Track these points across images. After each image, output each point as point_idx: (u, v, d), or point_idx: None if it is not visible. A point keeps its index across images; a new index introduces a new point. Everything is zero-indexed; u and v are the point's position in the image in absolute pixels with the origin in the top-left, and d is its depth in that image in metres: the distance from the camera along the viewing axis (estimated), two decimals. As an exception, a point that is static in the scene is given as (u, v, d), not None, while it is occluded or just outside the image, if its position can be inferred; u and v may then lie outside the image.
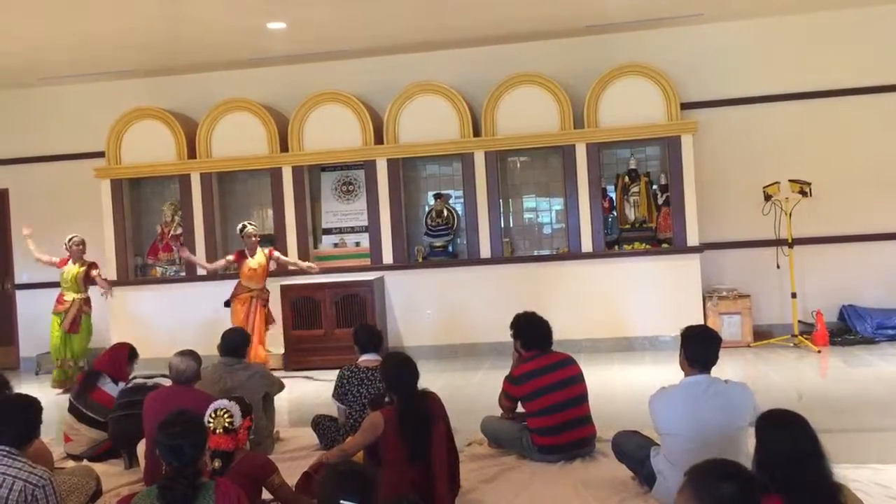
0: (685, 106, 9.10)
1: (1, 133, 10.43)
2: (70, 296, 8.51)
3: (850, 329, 8.80)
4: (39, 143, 10.37)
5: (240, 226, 8.58)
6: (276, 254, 8.65)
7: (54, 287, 10.22)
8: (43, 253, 8.72)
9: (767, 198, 8.53)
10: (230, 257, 8.63)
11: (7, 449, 3.43)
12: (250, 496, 3.68)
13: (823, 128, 9.12)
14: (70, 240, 8.61)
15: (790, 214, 8.55)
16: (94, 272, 8.57)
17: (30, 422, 3.56)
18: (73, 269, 8.54)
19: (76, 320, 8.47)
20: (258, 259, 8.42)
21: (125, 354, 6.00)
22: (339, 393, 5.43)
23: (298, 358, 8.87)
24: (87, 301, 8.58)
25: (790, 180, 8.46)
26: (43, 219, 10.33)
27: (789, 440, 2.80)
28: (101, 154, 9.88)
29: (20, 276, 10.53)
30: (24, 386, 8.60)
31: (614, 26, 9.08)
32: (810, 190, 8.38)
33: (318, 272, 8.79)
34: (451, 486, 4.26)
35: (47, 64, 9.32)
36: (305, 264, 8.72)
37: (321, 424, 5.65)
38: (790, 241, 8.62)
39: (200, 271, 9.29)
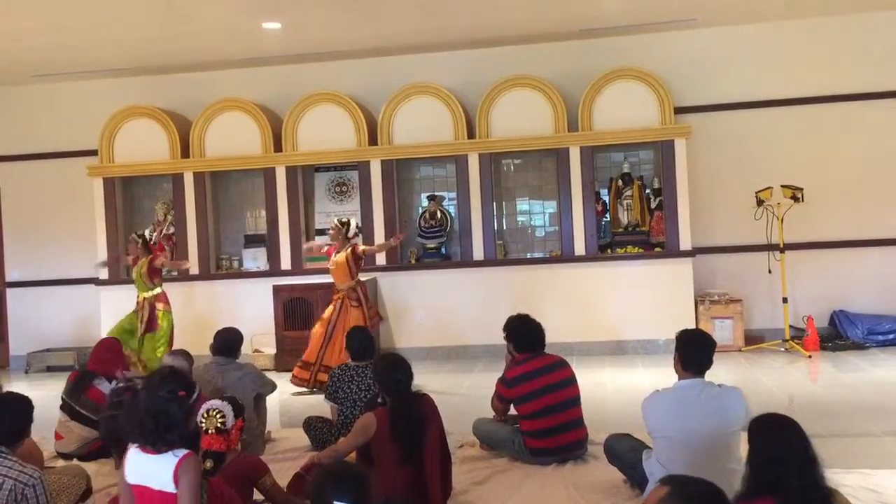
0: (679, 110, 9.13)
1: (-7, 130, 10.40)
2: (140, 295, 8.14)
3: (840, 334, 8.83)
4: (32, 140, 10.32)
5: (344, 220, 7.94)
6: (361, 248, 7.93)
7: (45, 285, 10.22)
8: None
9: (760, 203, 8.56)
10: (325, 249, 8.07)
11: (-3, 448, 3.41)
12: (242, 497, 3.67)
13: (816, 134, 9.15)
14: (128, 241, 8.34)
15: (782, 219, 8.58)
16: (156, 262, 8.16)
17: (21, 420, 3.55)
18: (136, 268, 8.21)
19: (152, 319, 8.05)
20: (336, 257, 7.82)
21: (117, 350, 5.99)
22: (331, 391, 5.43)
23: (290, 359, 8.83)
24: (159, 297, 8.14)
25: (782, 185, 8.50)
26: (35, 217, 10.32)
27: (782, 443, 2.81)
28: (93, 152, 9.84)
29: (10, 274, 10.48)
30: (15, 384, 8.55)
31: (609, 30, 9.10)
32: (802, 195, 8.41)
33: (401, 241, 8.52)
34: (443, 487, 4.25)
35: (40, 61, 9.28)
36: (391, 240, 8.35)
37: (313, 426, 5.64)
38: (782, 246, 8.65)
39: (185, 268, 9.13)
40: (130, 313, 8.23)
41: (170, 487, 2.92)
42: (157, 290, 8.19)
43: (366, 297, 7.87)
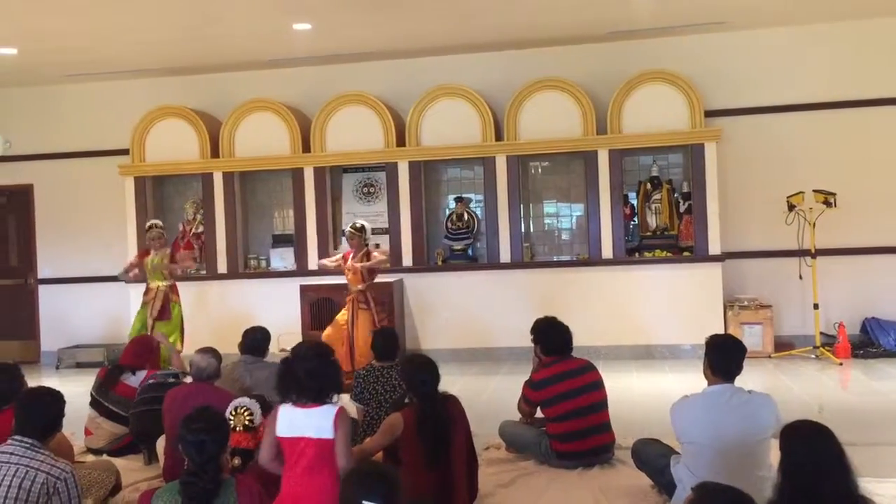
0: (709, 114, 9.05)
1: (27, 129, 10.53)
2: (154, 284, 8.26)
3: (872, 342, 8.70)
4: (64, 139, 10.46)
5: (358, 225, 8.02)
6: (375, 253, 8.07)
7: (77, 282, 10.34)
8: (127, 269, 8.56)
9: (791, 207, 8.46)
10: (339, 257, 8.14)
11: (30, 441, 3.45)
12: (270, 494, 3.68)
13: (849, 138, 9.03)
14: (148, 231, 8.41)
15: (814, 225, 8.47)
16: (178, 257, 8.41)
17: (53, 415, 3.58)
18: (154, 257, 8.30)
19: (165, 307, 8.20)
20: (353, 261, 7.93)
21: (153, 347, 6.07)
22: (357, 393, 5.43)
23: (316, 358, 8.87)
24: (173, 288, 8.31)
25: (814, 190, 8.39)
26: (66, 215, 10.45)
27: (814, 451, 2.77)
28: (125, 151, 9.95)
29: (42, 270, 10.62)
30: (45, 380, 8.65)
31: (639, 32, 9.04)
32: (835, 200, 8.30)
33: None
34: (469, 489, 4.25)
35: (73, 62, 9.40)
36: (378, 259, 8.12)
37: (339, 425, 5.64)
38: (813, 251, 8.54)
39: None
40: (140, 310, 8.34)
41: (328, 434, 3.43)
42: (171, 282, 8.33)
43: (375, 301, 7.95)
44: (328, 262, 8.28)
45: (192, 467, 3.10)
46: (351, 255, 7.98)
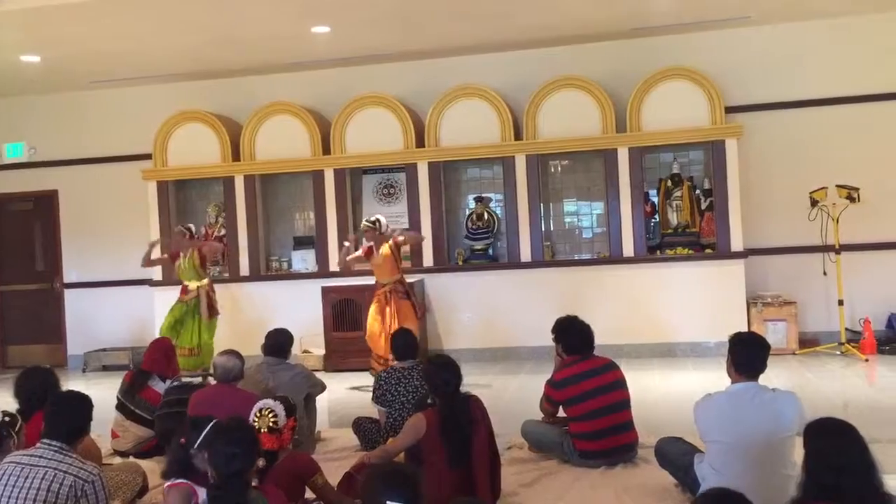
0: (730, 110, 8.99)
1: (51, 135, 10.65)
2: (193, 284, 8.53)
3: (898, 337, 8.62)
4: (88, 145, 10.57)
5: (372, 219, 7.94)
6: (400, 238, 7.93)
7: (102, 286, 10.47)
8: (156, 256, 8.89)
9: (814, 203, 8.39)
10: (359, 252, 7.97)
11: (58, 444, 3.49)
12: (294, 495, 3.71)
13: (872, 132, 8.94)
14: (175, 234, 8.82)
15: (837, 220, 8.40)
16: (204, 249, 8.67)
17: (81, 418, 3.62)
18: (184, 259, 8.59)
19: (212, 304, 8.51)
20: (382, 251, 7.82)
21: (169, 350, 6.12)
22: (378, 395, 5.45)
23: (339, 359, 8.92)
24: (211, 286, 8.63)
25: (837, 185, 8.32)
26: (91, 219, 10.57)
27: (839, 449, 2.75)
28: (147, 156, 10.04)
29: (68, 275, 10.75)
30: (72, 383, 8.75)
31: (659, 29, 9.00)
32: (858, 195, 8.22)
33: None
34: (492, 489, 4.25)
35: (96, 68, 9.51)
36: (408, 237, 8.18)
37: (362, 426, 5.67)
38: (837, 247, 8.46)
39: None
40: (176, 305, 8.54)
41: None
42: (207, 280, 8.61)
43: (412, 287, 8.03)
44: (349, 255, 8.04)
45: (218, 480, 3.08)
46: (375, 249, 7.81)
